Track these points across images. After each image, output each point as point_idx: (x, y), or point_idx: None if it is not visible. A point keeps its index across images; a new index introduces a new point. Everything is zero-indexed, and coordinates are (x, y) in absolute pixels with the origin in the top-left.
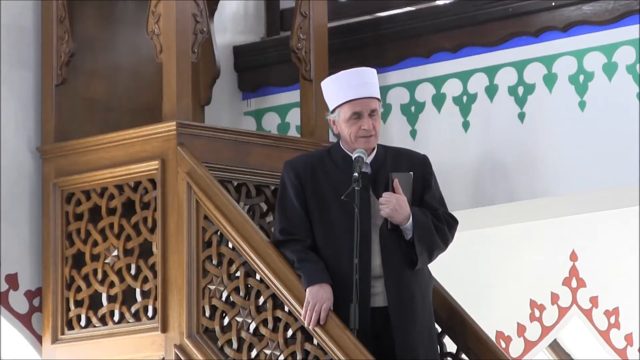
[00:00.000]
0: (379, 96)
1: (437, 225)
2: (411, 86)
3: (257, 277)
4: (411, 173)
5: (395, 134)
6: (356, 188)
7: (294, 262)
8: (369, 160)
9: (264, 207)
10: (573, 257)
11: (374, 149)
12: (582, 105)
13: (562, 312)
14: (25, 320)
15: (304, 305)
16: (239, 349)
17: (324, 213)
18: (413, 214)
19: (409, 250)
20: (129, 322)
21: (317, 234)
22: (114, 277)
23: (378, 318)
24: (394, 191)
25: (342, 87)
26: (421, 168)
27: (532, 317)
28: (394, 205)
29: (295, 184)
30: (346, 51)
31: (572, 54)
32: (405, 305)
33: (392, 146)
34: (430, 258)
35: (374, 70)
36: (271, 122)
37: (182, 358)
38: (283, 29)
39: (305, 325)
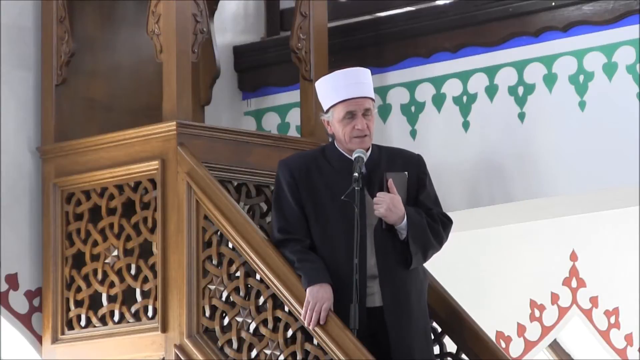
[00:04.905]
0: (372, 96)
1: (431, 225)
2: (411, 86)
3: (257, 277)
4: (405, 173)
5: (395, 134)
6: (356, 188)
7: (294, 262)
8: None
9: (264, 207)
10: (573, 257)
11: (368, 149)
12: (582, 105)
13: (562, 312)
14: (25, 320)
15: (304, 305)
16: (239, 349)
17: (319, 213)
18: (407, 213)
19: (404, 250)
20: (129, 322)
21: (313, 234)
22: (114, 277)
23: (373, 318)
24: (388, 191)
25: (335, 87)
26: (416, 168)
27: (532, 317)
28: (388, 204)
29: (291, 184)
30: (346, 51)
31: (572, 54)
32: (400, 305)
33: (386, 146)
34: (425, 258)
35: (367, 70)
36: (271, 122)
37: (182, 358)
38: (283, 29)
39: (306, 325)
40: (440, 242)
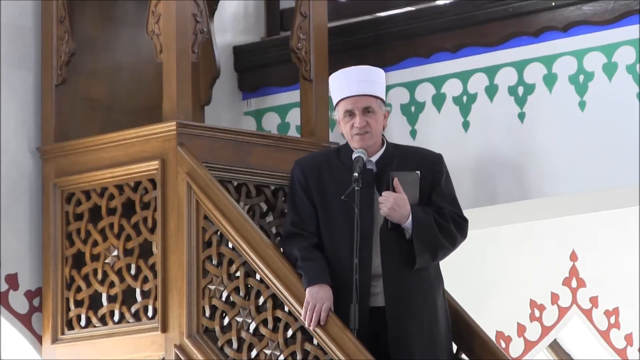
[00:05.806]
0: (377, 94)
1: (441, 224)
2: (411, 86)
3: (257, 277)
4: (417, 172)
5: (395, 134)
6: (356, 188)
7: (297, 260)
8: (375, 158)
9: (264, 207)
10: (573, 257)
11: (382, 147)
12: (582, 105)
13: (562, 312)
14: (25, 320)
15: (304, 305)
16: (239, 349)
17: (327, 212)
18: (413, 212)
19: (409, 249)
20: (129, 322)
21: (322, 232)
22: (114, 277)
23: (376, 318)
24: (394, 190)
25: (339, 85)
26: (431, 167)
27: (532, 317)
28: (392, 203)
29: (302, 182)
30: (346, 51)
31: (572, 54)
32: (401, 305)
33: (405, 145)
34: (434, 258)
35: (378, 70)
36: (271, 122)
37: (182, 358)
38: (283, 29)
39: (306, 325)
40: (453, 242)
